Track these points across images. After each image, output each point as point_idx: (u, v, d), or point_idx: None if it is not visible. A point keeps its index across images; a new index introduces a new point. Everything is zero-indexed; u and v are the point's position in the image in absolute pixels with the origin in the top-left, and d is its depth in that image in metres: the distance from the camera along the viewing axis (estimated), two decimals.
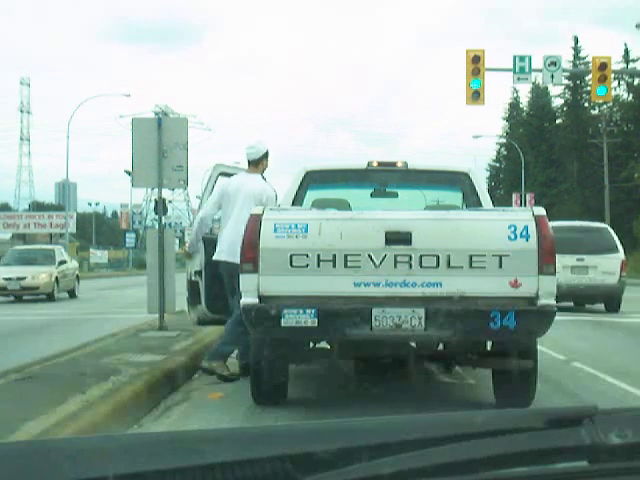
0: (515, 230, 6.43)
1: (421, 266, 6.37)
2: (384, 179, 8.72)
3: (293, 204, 8.04)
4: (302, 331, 6.30)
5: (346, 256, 6.39)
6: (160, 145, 10.37)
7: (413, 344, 6.92)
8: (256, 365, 6.86)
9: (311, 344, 7.25)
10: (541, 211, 6.58)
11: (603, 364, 9.61)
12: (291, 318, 6.27)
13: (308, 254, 6.38)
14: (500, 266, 6.38)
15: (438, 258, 6.38)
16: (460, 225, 6.54)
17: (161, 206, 10.37)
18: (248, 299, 6.37)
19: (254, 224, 6.45)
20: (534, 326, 6.47)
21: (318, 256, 6.38)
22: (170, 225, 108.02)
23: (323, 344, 7.32)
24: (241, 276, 6.50)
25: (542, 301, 6.38)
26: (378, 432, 1.38)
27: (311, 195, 8.36)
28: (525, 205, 68.15)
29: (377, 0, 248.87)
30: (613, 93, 79.07)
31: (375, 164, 8.42)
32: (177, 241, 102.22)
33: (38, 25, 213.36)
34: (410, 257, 6.37)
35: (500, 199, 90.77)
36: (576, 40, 77.07)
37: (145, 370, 7.06)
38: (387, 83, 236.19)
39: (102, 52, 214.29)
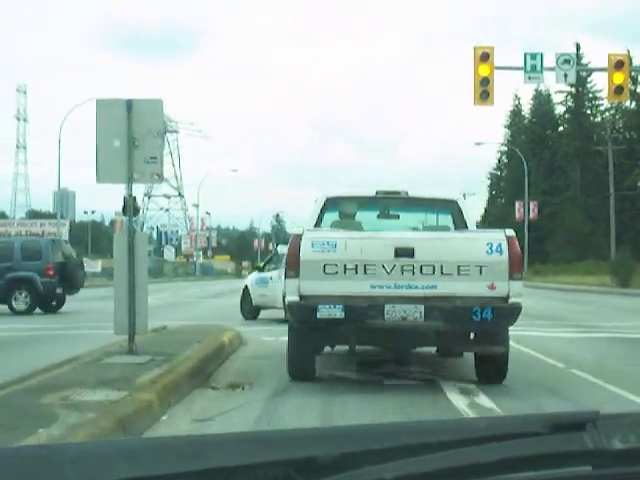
0: (492, 247, 8.20)
1: (421, 273, 8.21)
2: (389, 204, 10.38)
3: (316, 223, 9.83)
4: (332, 321, 8.07)
5: (365, 265, 8.23)
6: (130, 133, 8.64)
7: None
8: (293, 348, 8.82)
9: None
10: (511, 232, 8.44)
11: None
12: (324, 311, 8.04)
13: (337, 264, 8.22)
14: (480, 273, 8.18)
15: (434, 267, 8.21)
16: (451, 243, 8.49)
17: (131, 206, 8.63)
18: (291, 297, 8.23)
19: (296, 241, 8.27)
20: (506, 318, 8.30)
21: (344, 265, 8.22)
22: (166, 234, 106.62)
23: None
24: (286, 280, 8.41)
25: (512, 300, 8.18)
26: (381, 437, 1.38)
27: (329, 215, 10.09)
28: (529, 214, 66.74)
29: (377, 10, 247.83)
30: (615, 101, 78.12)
31: (382, 193, 10.09)
32: (173, 250, 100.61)
33: (36, 32, 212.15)
34: (413, 266, 8.22)
35: (501, 208, 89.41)
36: (578, 47, 75.12)
37: (90, 417, 5.31)
38: (386, 91, 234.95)
39: (100, 60, 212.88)
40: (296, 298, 8.15)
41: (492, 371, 8.68)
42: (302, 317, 8.27)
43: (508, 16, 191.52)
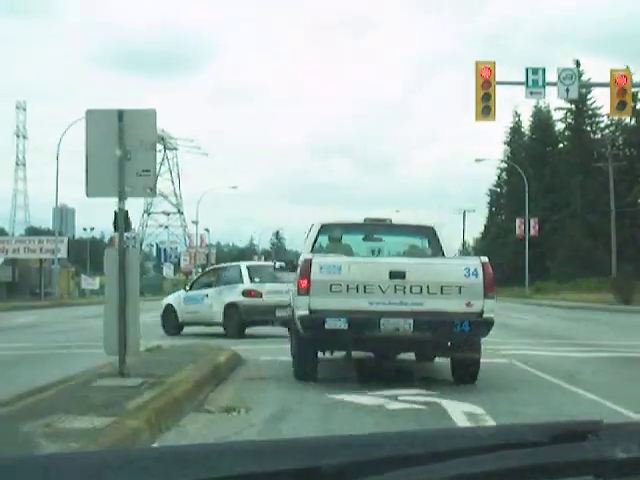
0: (469, 271, 9.66)
1: (411, 292, 9.62)
2: (375, 230, 12.10)
3: (313, 245, 11.50)
4: (337, 332, 9.52)
5: (365, 286, 9.63)
6: (122, 144, 8.27)
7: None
8: (299, 354, 10.32)
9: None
10: (485, 259, 9.93)
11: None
12: (331, 323, 9.44)
13: (341, 284, 9.60)
14: (460, 293, 9.61)
15: (422, 287, 9.64)
16: (435, 267, 10.02)
17: (122, 220, 8.25)
18: (302, 312, 9.65)
19: (307, 264, 9.70)
20: (481, 330, 9.80)
21: (347, 285, 9.60)
22: (165, 250, 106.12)
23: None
24: (297, 297, 9.81)
25: (486, 315, 9.64)
26: (383, 446, 1.38)
27: (323, 238, 11.72)
28: (530, 231, 66.51)
29: (377, 27, 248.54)
30: (615, 118, 77.93)
31: (369, 220, 11.95)
32: (172, 267, 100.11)
33: (36, 51, 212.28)
34: (404, 287, 9.64)
35: (501, 225, 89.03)
36: (577, 64, 74.83)
37: (72, 447, 4.91)
38: (386, 107, 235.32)
39: (100, 78, 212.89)
40: (307, 312, 9.61)
41: (467, 373, 10.21)
42: (312, 328, 9.70)
43: (506, 34, 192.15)
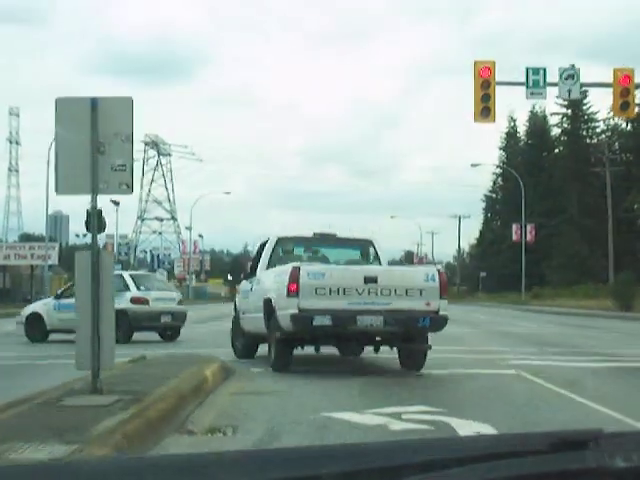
0: (428, 276, 11.79)
1: (382, 294, 11.53)
2: (322, 242, 14.27)
3: (270, 255, 13.90)
4: (323, 327, 11.38)
5: (344, 289, 11.50)
6: (95, 136, 7.45)
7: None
8: (279, 350, 12.00)
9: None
10: (440, 267, 13.14)
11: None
12: (318, 320, 11.25)
13: (325, 287, 11.44)
14: (421, 295, 11.62)
15: (390, 290, 11.57)
16: (402, 273, 12.43)
17: (95, 220, 7.44)
18: (292, 311, 11.38)
19: (296, 272, 11.45)
20: (437, 325, 11.83)
21: (330, 289, 11.46)
22: (158, 257, 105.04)
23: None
24: (288, 299, 11.46)
25: (441, 312, 11.71)
26: (382, 455, 1.36)
27: (278, 249, 14.05)
28: (526, 236, 65.81)
29: (370, 36, 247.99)
30: (611, 122, 77.30)
31: (317, 234, 14.29)
32: (166, 274, 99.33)
33: (30, 56, 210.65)
34: (377, 289, 11.55)
35: (496, 231, 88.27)
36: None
37: None
38: (381, 115, 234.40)
39: (94, 84, 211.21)
40: (297, 311, 11.33)
41: (417, 361, 12.19)
42: (302, 324, 11.39)
43: (501, 40, 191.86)
